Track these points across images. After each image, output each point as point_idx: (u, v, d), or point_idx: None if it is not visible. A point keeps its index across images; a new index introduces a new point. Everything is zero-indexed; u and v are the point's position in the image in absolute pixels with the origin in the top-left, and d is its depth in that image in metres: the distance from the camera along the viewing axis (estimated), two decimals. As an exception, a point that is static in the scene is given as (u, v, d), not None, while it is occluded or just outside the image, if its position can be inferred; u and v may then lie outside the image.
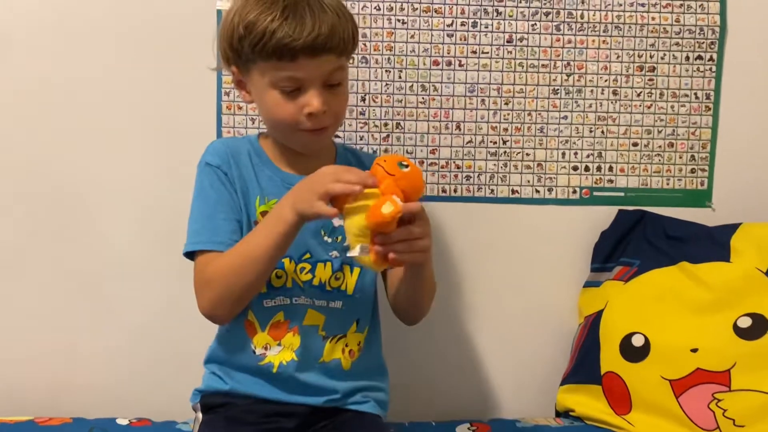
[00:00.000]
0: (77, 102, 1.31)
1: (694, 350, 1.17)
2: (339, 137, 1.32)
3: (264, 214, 1.02)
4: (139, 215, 1.33)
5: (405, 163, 0.93)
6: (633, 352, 1.22)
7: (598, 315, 1.29)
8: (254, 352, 1.04)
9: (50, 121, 1.31)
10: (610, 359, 1.24)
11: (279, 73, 0.97)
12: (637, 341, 1.22)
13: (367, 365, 1.09)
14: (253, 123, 1.31)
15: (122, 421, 1.23)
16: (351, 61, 1.15)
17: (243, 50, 0.98)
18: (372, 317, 1.12)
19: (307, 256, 1.05)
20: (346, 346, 1.07)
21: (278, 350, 1.03)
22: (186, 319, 1.31)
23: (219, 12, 1.30)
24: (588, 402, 1.26)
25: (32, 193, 1.32)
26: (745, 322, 1.16)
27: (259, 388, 1.04)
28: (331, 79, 1.00)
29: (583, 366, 1.29)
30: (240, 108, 1.32)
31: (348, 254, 0.89)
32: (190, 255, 1.03)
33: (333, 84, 1.00)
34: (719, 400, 1.14)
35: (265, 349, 1.03)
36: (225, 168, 1.03)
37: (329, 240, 1.06)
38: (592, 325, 1.30)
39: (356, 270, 1.07)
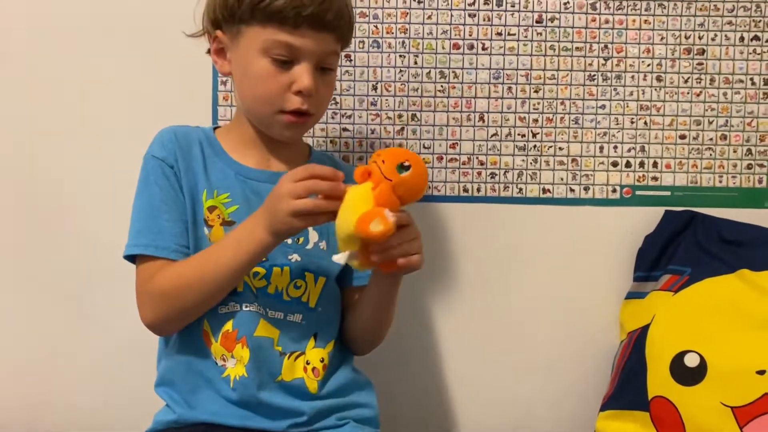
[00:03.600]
0: (64, 103, 1.21)
1: (761, 372, 1.01)
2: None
3: (212, 209, 0.94)
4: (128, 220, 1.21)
5: (407, 163, 0.83)
6: (686, 374, 1.06)
7: (644, 330, 1.14)
8: (216, 364, 0.92)
9: (35, 122, 1.22)
10: (659, 382, 1.09)
11: (276, 38, 0.89)
12: (691, 361, 1.07)
13: (338, 384, 0.97)
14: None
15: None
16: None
17: (240, 8, 0.90)
18: (338, 330, 1.01)
19: (263, 259, 0.93)
20: (308, 363, 0.95)
21: (234, 363, 0.92)
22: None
23: None
24: (633, 430, 1.10)
25: (12, 194, 1.22)
26: (821, 340, 1.00)
27: (214, 412, 0.91)
28: (325, 62, 0.94)
29: (627, 389, 1.13)
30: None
31: (334, 259, 0.84)
32: (131, 258, 0.94)
33: (325, 68, 0.94)
34: (792, 432, 0.98)
35: (224, 360, 0.92)
36: (171, 160, 0.94)
37: (289, 241, 0.94)
38: (636, 342, 1.14)
39: (321, 280, 0.97)
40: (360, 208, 0.81)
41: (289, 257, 0.95)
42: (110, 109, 1.21)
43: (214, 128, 1.02)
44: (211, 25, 0.96)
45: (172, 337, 0.95)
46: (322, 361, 0.96)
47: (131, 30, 1.20)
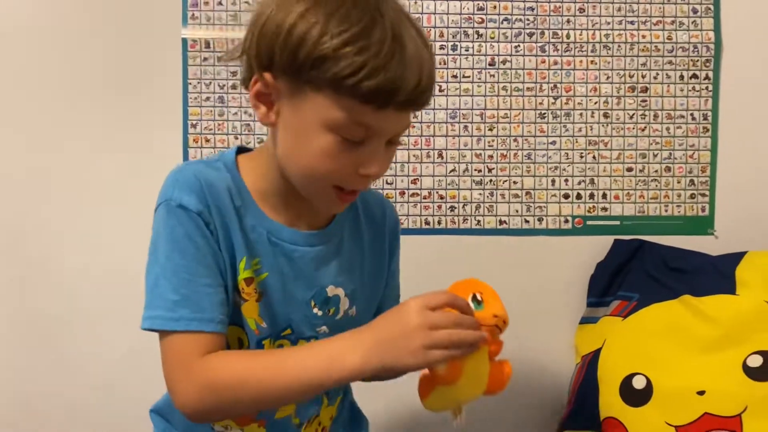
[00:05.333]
0: (35, 135, 1.25)
1: (701, 393, 1.07)
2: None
3: (248, 281, 0.79)
4: (106, 259, 1.25)
5: (478, 297, 0.74)
6: (634, 395, 1.12)
7: (596, 354, 1.20)
8: (212, 428, 0.84)
9: (6, 158, 1.25)
10: (610, 403, 1.15)
11: (353, 117, 0.73)
12: (639, 383, 1.13)
13: (337, 427, 0.93)
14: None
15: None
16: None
17: (313, 71, 0.72)
18: None
19: (288, 332, 0.82)
20: (319, 425, 0.89)
21: None
22: (154, 374, 1.24)
23: (184, 40, 1.24)
24: (588, 450, 1.16)
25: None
26: (756, 361, 1.06)
27: None
28: (397, 137, 0.79)
29: (582, 410, 1.19)
30: (207, 140, 1.25)
31: (457, 428, 0.75)
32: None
33: (393, 142, 0.79)
34: (731, 448, 1.04)
35: (226, 429, 0.84)
36: (207, 216, 0.76)
37: (319, 313, 0.83)
38: (589, 366, 1.20)
39: None
40: (482, 365, 0.73)
41: (318, 329, 0.83)
42: (87, 145, 1.26)
43: (236, 157, 0.83)
44: (259, 63, 0.76)
45: None
46: (331, 417, 0.90)
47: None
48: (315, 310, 0.83)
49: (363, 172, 0.76)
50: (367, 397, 1.00)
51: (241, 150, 0.86)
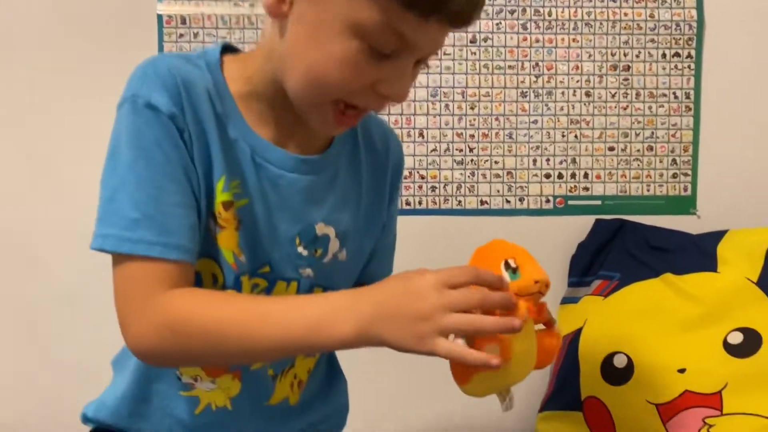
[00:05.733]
0: (2, 113, 1.22)
1: (682, 370, 1.07)
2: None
3: (227, 205, 0.67)
4: (84, 244, 1.23)
5: (512, 264, 0.64)
6: (615, 374, 1.12)
7: (577, 334, 1.19)
8: (179, 378, 0.73)
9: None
10: (591, 382, 1.14)
11: (389, 23, 0.61)
12: (620, 362, 1.12)
13: (316, 385, 0.82)
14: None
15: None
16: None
17: None
18: None
19: (266, 269, 0.71)
20: (295, 377, 0.79)
21: (210, 387, 0.74)
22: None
23: (159, 16, 1.21)
24: (569, 430, 1.15)
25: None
26: (736, 338, 1.06)
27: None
28: (430, 56, 0.68)
29: (563, 391, 1.18)
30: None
31: (505, 411, 0.65)
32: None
33: (422, 61, 0.68)
34: (711, 426, 1.03)
35: (195, 380, 0.73)
36: (181, 121, 0.64)
37: (305, 252, 0.72)
38: (570, 346, 1.19)
39: None
40: (531, 354, 0.65)
41: (301, 270, 0.73)
42: (65, 140, 1.23)
43: (220, 53, 0.71)
44: None
45: None
46: (308, 370, 0.80)
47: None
48: (299, 249, 0.72)
49: (384, 91, 0.64)
50: (346, 354, 0.98)
51: (228, 49, 0.73)
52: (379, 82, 0.64)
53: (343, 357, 0.90)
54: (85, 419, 0.79)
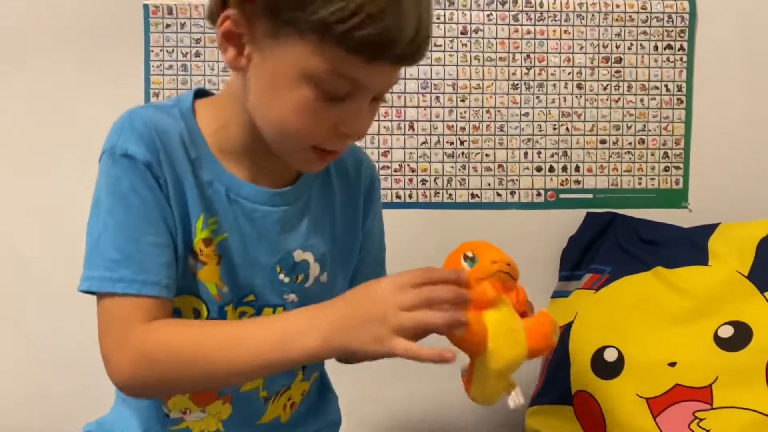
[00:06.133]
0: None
1: (672, 364, 1.06)
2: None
3: (207, 242, 0.72)
4: (63, 234, 1.21)
5: (470, 254, 0.68)
6: (605, 368, 1.11)
7: (568, 328, 1.19)
8: (167, 416, 0.77)
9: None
10: (581, 376, 1.13)
11: (337, 69, 0.64)
12: (610, 356, 1.11)
13: (307, 404, 0.85)
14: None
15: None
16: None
17: (297, 12, 0.63)
18: None
19: (251, 298, 0.75)
20: (289, 399, 0.81)
21: (201, 416, 0.77)
22: None
23: (146, 7, 1.20)
24: (559, 424, 1.15)
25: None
26: (727, 332, 1.05)
27: None
28: (383, 93, 0.72)
29: (553, 385, 1.18)
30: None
31: (513, 406, 0.67)
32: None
33: (379, 99, 0.72)
34: (701, 420, 1.03)
35: (184, 413, 0.77)
36: (157, 169, 0.69)
37: (286, 279, 0.76)
38: (560, 340, 1.19)
39: None
40: (517, 335, 0.66)
41: (285, 296, 0.77)
42: (43, 127, 1.21)
43: (192, 100, 0.75)
44: None
45: None
46: (303, 393, 0.83)
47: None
48: (281, 276, 0.76)
49: (344, 130, 0.68)
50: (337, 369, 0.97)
51: (201, 93, 0.77)
52: (339, 124, 0.68)
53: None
54: None
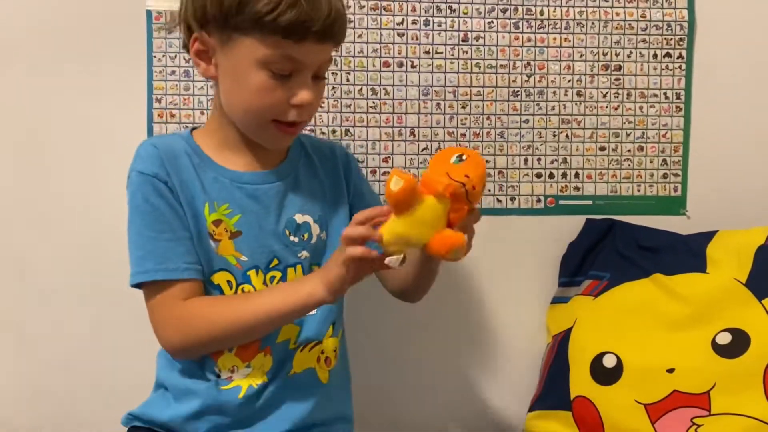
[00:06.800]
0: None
1: (671, 370, 1.07)
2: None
3: (217, 223, 0.91)
4: (60, 233, 1.22)
5: (463, 156, 0.80)
6: (604, 374, 1.12)
7: (567, 333, 1.19)
8: (219, 376, 0.92)
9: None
10: (580, 382, 1.14)
11: (278, 52, 0.85)
12: (609, 362, 1.12)
13: (339, 381, 1.00)
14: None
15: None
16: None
17: (238, 16, 0.84)
18: (342, 318, 1.03)
19: (275, 262, 0.93)
20: (322, 353, 0.96)
21: (247, 372, 0.92)
22: (112, 351, 1.22)
23: (149, 12, 1.20)
24: (558, 430, 1.15)
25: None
26: (725, 339, 1.06)
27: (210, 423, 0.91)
28: (321, 70, 0.91)
29: (552, 390, 1.18)
30: (173, 115, 1.22)
31: (389, 262, 0.78)
32: (138, 285, 0.90)
33: (319, 76, 0.91)
34: (699, 426, 1.04)
35: (232, 371, 0.92)
36: (163, 176, 0.89)
37: (296, 239, 0.95)
38: (560, 345, 1.19)
39: None
40: (436, 223, 0.78)
41: (299, 255, 0.95)
42: (38, 126, 1.21)
43: (191, 130, 0.98)
44: (196, 24, 0.89)
45: None
46: (335, 350, 0.98)
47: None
48: (292, 238, 0.95)
49: (295, 101, 0.87)
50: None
51: (194, 129, 0.98)
52: (291, 97, 0.88)
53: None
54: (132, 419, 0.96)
